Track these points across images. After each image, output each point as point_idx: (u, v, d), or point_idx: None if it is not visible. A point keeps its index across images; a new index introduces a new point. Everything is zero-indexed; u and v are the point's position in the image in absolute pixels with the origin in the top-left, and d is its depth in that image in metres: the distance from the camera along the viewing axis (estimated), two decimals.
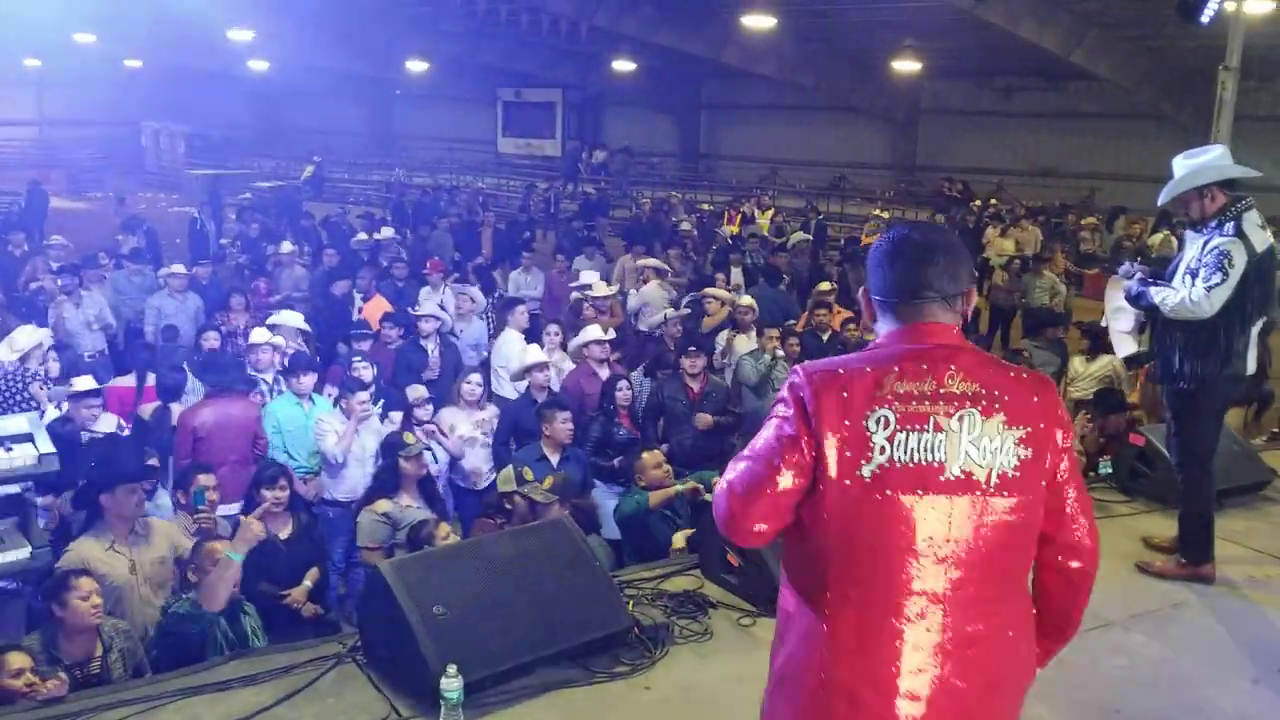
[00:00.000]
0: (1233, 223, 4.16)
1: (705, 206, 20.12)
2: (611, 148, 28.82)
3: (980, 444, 2.09)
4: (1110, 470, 5.91)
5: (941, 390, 2.10)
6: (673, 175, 27.73)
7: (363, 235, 13.89)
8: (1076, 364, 9.08)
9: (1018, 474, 2.10)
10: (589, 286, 9.53)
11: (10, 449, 2.46)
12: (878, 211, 19.29)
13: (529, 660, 3.75)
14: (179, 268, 10.26)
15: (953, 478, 2.07)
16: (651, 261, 11.62)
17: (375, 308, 9.71)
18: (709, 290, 9.93)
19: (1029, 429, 2.11)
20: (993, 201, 20.31)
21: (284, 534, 5.41)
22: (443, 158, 30.92)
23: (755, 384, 8.14)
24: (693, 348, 7.64)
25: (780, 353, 8.40)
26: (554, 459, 6.40)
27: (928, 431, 2.08)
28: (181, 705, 3.59)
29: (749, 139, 27.43)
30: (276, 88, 31.75)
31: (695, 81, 27.72)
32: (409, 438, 6.08)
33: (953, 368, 2.12)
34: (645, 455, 5.71)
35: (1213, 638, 4.25)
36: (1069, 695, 3.80)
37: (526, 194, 21.32)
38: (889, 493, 2.06)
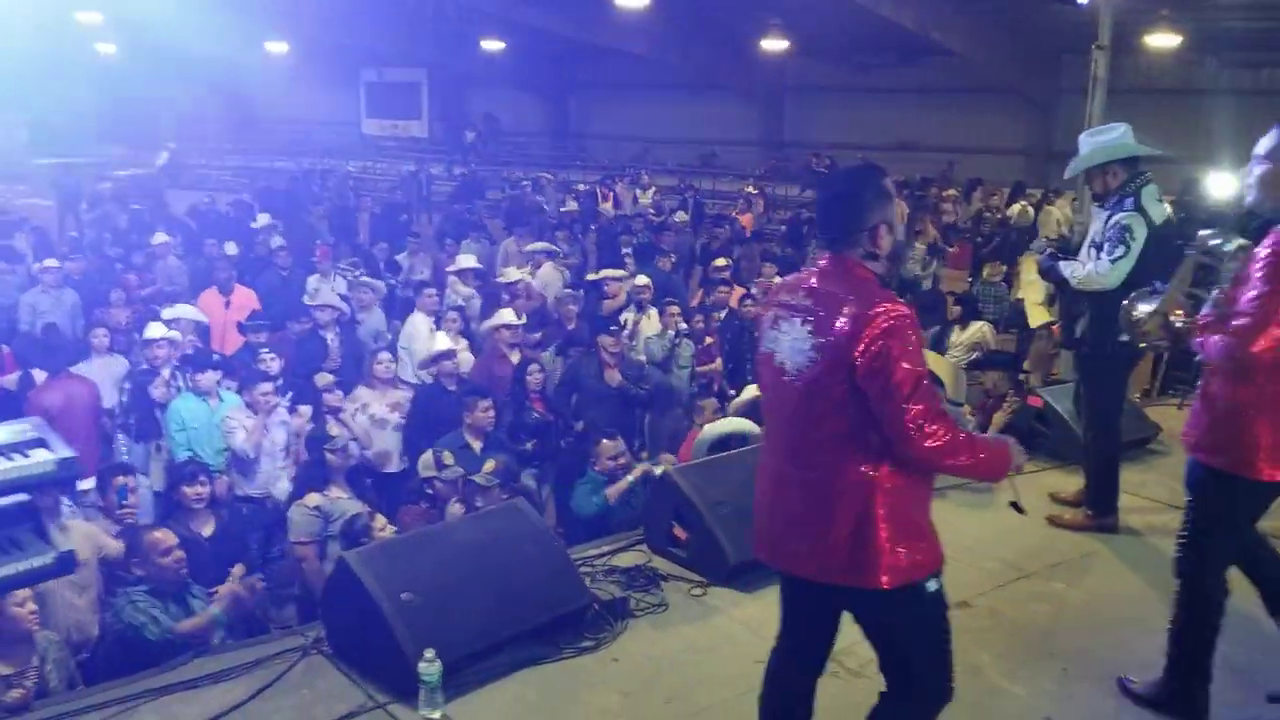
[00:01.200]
0: (1132, 198, 4.53)
1: (581, 186, 20.11)
2: (475, 120, 28.49)
3: (794, 346, 2.76)
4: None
5: (792, 302, 2.81)
6: (543, 154, 27.64)
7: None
8: (953, 334, 9.58)
9: (811, 372, 2.72)
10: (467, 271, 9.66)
11: (27, 454, 2.43)
12: (749, 188, 19.66)
13: (498, 640, 3.85)
14: (52, 262, 9.78)
15: (777, 365, 2.81)
16: (541, 245, 11.66)
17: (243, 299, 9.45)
18: (608, 272, 10.06)
19: (825, 338, 2.68)
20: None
21: (206, 531, 5.35)
22: (304, 140, 30.01)
23: (661, 360, 8.35)
24: (613, 327, 7.77)
25: (684, 327, 8.65)
26: (476, 446, 6.46)
27: (777, 329, 2.83)
28: (156, 705, 3.58)
29: (620, 117, 27.54)
30: (126, 72, 30.19)
31: (565, 60, 27.63)
32: (333, 429, 6.05)
33: (804, 287, 2.81)
34: (605, 443, 5.81)
35: (1125, 582, 4.64)
36: (1005, 642, 4.12)
37: (410, 177, 20.91)
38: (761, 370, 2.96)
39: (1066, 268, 4.69)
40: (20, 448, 2.41)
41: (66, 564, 2.52)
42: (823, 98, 24.00)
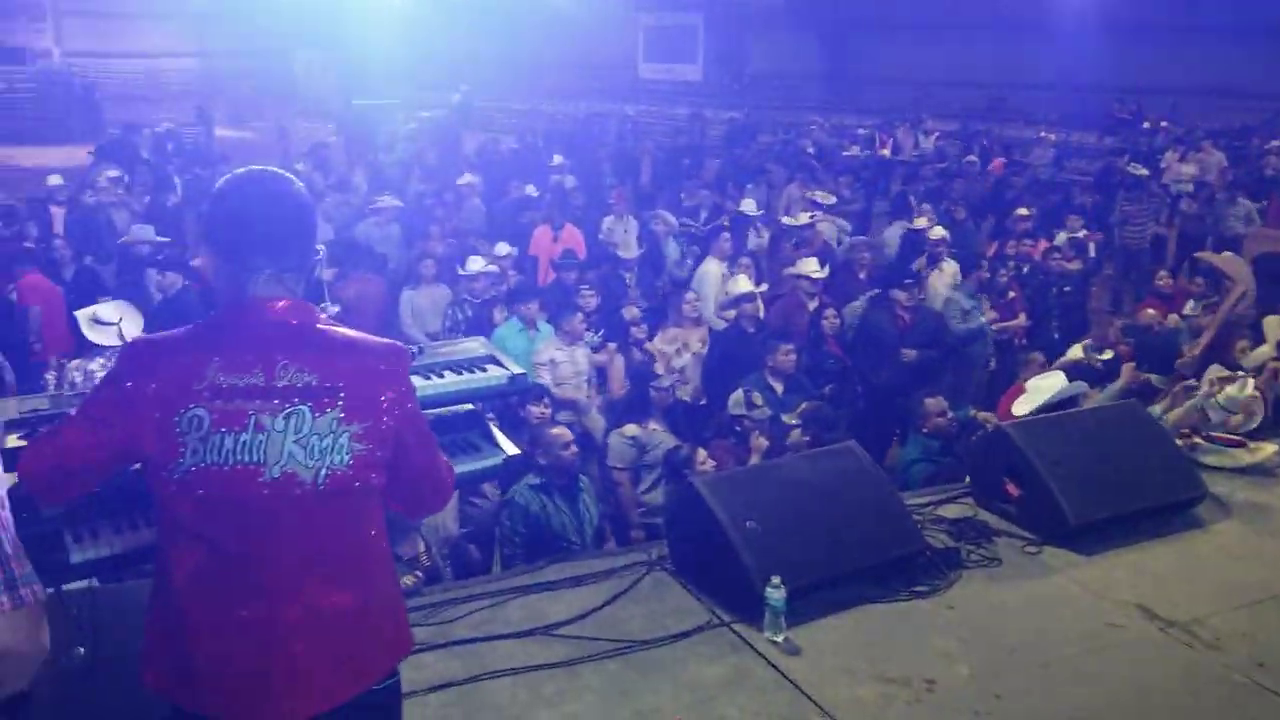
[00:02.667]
0: None
1: (861, 132, 19.68)
2: (753, 71, 28.42)
3: (309, 443, 2.03)
4: None
5: (270, 385, 2.02)
6: (816, 98, 27.19)
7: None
8: None
9: (350, 470, 2.06)
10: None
11: (485, 369, 2.76)
12: (1044, 134, 18.61)
13: (835, 575, 3.97)
14: (391, 200, 10.60)
15: (273, 479, 2.01)
16: (824, 196, 11.48)
17: (570, 237, 9.97)
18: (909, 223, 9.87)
19: (368, 423, 2.07)
20: (1162, 124, 19.37)
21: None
22: (581, 83, 30.94)
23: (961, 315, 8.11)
24: (909, 280, 7.67)
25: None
26: (778, 389, 6.60)
27: (247, 431, 2.00)
28: (524, 602, 3.94)
29: (896, 60, 26.65)
30: (424, 17, 32.14)
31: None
32: (660, 371, 6.36)
33: (283, 360, 2.04)
34: (929, 401, 5.76)
35: None
36: None
37: (691, 120, 21.11)
38: (201, 493, 1.99)
39: None
40: (478, 363, 2.73)
41: (513, 465, 2.84)
42: (1133, 35, 21.99)
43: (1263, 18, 19.18)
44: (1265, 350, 5.73)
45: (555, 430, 4.81)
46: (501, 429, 3.10)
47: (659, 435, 6.03)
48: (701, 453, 5.44)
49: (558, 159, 14.28)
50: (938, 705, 3.38)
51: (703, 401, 7.37)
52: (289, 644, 2.05)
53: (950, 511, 4.67)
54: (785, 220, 10.35)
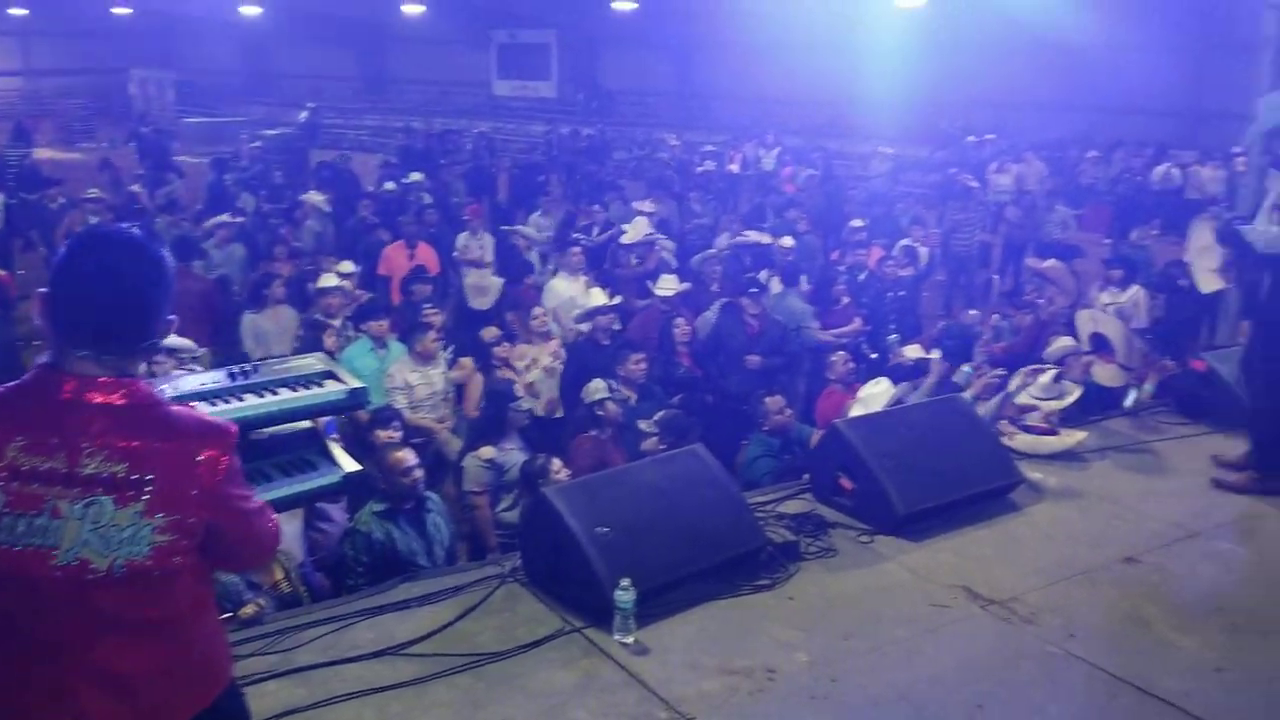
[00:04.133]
0: None
1: (709, 148, 20.16)
2: (607, 88, 28.77)
3: (107, 534, 1.97)
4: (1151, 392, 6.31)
5: (72, 472, 1.96)
6: (669, 116, 27.71)
7: (390, 185, 13.96)
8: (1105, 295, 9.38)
9: (150, 560, 2.00)
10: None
11: (322, 384, 2.75)
12: (880, 148, 19.42)
13: (683, 575, 4.11)
14: (226, 218, 10.39)
15: (65, 564, 1.96)
16: (649, 206, 11.67)
17: (425, 255, 9.92)
18: (752, 234, 10.18)
19: (174, 516, 2.01)
20: (988, 137, 20.49)
21: None
22: (436, 100, 30.74)
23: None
24: (753, 289, 7.93)
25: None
26: (631, 398, 6.73)
27: (42, 516, 1.95)
28: (373, 624, 3.93)
29: (742, 77, 27.37)
30: (267, 33, 31.37)
31: (693, 19, 27.54)
32: (519, 391, 6.40)
33: (90, 446, 1.96)
34: (769, 399, 5.98)
35: None
36: (1173, 597, 4.20)
37: (549, 137, 21.30)
38: None
39: (1250, 232, 4.66)
40: (315, 379, 2.74)
41: (351, 483, 2.86)
42: (956, 52, 23.21)
43: (1077, 34, 20.53)
44: (1066, 341, 6.18)
45: (397, 454, 4.75)
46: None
47: (516, 455, 6.06)
48: (556, 462, 5.50)
49: (416, 176, 14.19)
50: (778, 693, 3.55)
51: (558, 414, 7.46)
52: (82, 705, 2.02)
53: (792, 507, 4.88)
54: (624, 239, 10.40)
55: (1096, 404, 6.10)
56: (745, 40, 26.37)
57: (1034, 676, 3.65)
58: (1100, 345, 5.99)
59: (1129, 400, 6.31)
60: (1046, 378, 5.57)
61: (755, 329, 7.88)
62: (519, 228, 10.46)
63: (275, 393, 2.85)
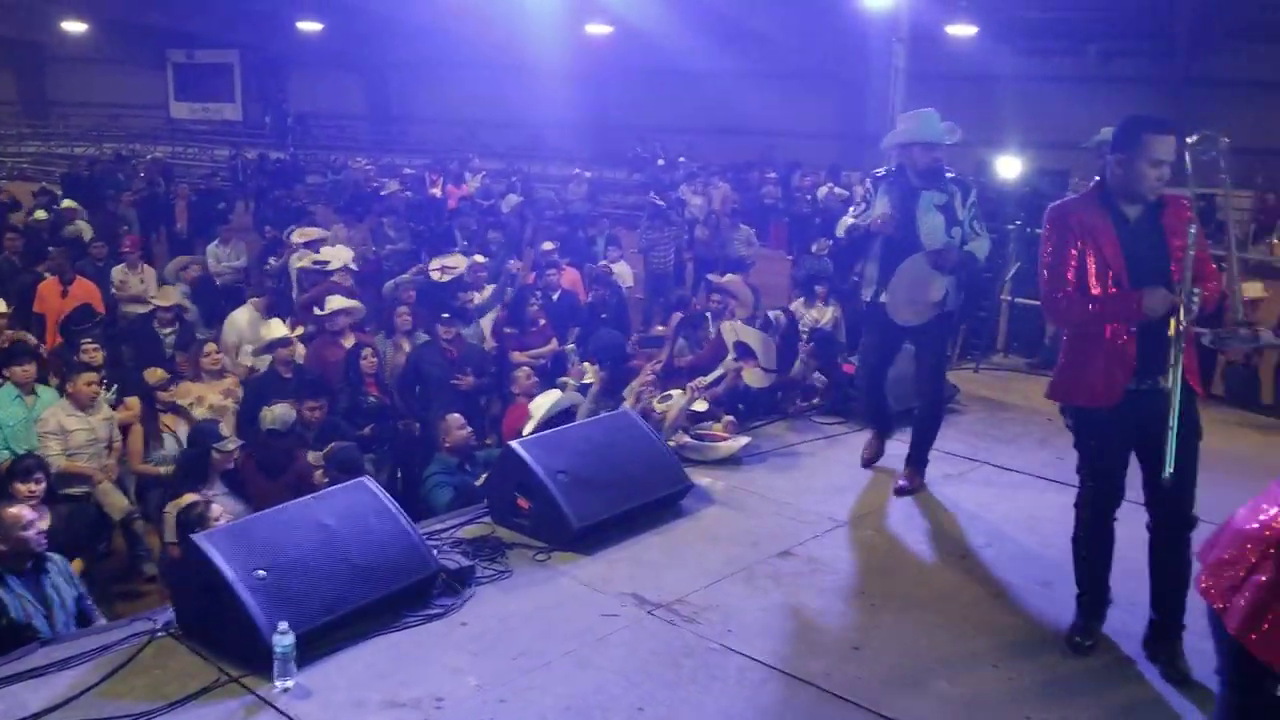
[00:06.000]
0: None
1: (408, 171, 19.87)
2: (297, 110, 27.76)
3: None
4: None
5: None
6: (365, 139, 27.11)
7: (41, 213, 12.78)
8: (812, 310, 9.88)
9: None
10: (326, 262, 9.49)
11: None
12: (578, 171, 19.90)
13: (348, 611, 3.98)
14: None
15: None
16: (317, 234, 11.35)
17: (84, 291, 9.14)
18: (445, 260, 10.11)
19: None
20: (680, 160, 21.54)
21: (44, 526, 5.24)
22: (107, 125, 28.44)
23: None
24: (445, 315, 7.87)
25: None
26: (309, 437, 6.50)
27: None
28: (2, 694, 3.55)
29: (442, 99, 27.26)
30: None
31: (383, 39, 27.10)
32: (225, 431, 6.04)
33: None
34: (448, 419, 5.93)
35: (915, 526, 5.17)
36: (823, 584, 4.53)
37: (233, 162, 20.19)
38: None
39: (973, 247, 5.17)
40: None
41: None
42: (646, 80, 24.35)
43: (761, 64, 22.02)
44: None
45: (12, 510, 4.29)
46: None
47: (222, 499, 5.68)
48: (216, 507, 5.18)
49: (69, 202, 13.06)
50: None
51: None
52: None
53: (470, 532, 4.87)
54: (331, 265, 10.05)
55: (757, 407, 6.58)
56: (443, 61, 26.28)
57: (693, 673, 3.82)
58: (744, 353, 6.40)
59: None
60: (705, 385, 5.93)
61: (454, 354, 7.84)
62: (198, 257, 9.84)
63: None
